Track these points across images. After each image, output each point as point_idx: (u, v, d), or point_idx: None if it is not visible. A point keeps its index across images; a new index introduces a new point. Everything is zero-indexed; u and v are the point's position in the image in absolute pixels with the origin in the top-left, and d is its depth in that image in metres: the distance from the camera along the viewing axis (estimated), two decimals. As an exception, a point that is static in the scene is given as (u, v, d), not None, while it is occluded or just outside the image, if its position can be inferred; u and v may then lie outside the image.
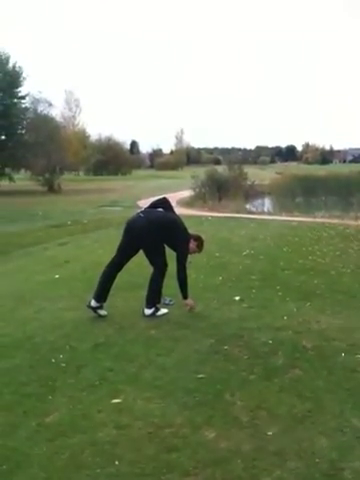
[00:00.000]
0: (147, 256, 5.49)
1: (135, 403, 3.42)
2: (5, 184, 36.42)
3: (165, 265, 5.46)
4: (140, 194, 28.02)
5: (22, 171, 40.54)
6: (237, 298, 5.93)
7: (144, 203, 22.91)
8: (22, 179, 38.52)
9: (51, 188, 36.04)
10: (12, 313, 5.54)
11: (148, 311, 5.31)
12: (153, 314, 5.30)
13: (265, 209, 23.33)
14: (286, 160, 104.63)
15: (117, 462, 2.75)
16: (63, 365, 4.07)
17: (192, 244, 5.51)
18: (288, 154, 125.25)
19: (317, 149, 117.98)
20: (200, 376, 3.81)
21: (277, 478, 2.61)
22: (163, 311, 5.38)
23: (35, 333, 4.85)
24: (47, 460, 2.78)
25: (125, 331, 4.85)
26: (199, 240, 5.59)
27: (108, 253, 9.22)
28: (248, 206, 23.01)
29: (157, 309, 5.35)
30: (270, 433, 3.02)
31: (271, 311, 5.44)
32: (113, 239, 11.21)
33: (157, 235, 5.31)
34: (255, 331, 4.77)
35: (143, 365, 4.04)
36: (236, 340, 4.54)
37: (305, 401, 3.40)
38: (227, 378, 3.78)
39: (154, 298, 5.39)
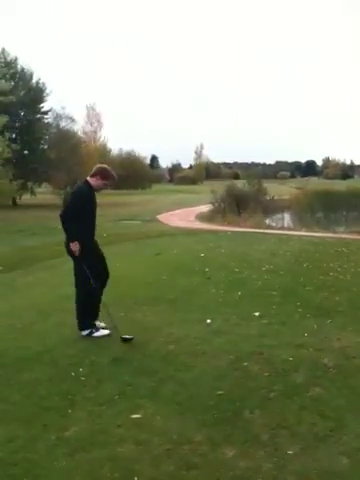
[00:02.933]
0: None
1: (154, 419, 3.41)
2: (27, 198, 36.99)
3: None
4: (159, 208, 28.18)
5: (43, 185, 41.09)
6: (257, 314, 5.89)
7: (164, 217, 23.12)
8: (44, 193, 39.05)
9: (72, 202, 36.37)
10: (32, 326, 5.59)
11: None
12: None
13: (285, 224, 23.18)
14: (306, 175, 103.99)
15: (136, 478, 2.74)
16: (83, 379, 4.09)
17: (96, 181, 5.15)
18: (308, 169, 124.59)
19: (337, 164, 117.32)
20: (219, 393, 3.78)
21: (298, 499, 2.57)
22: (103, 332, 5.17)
23: (55, 346, 4.89)
24: (66, 474, 2.79)
25: (144, 346, 4.86)
26: (101, 173, 5.18)
27: (127, 266, 9.31)
28: (268, 221, 22.91)
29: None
30: (291, 452, 2.98)
31: (291, 328, 5.39)
32: (132, 253, 11.33)
33: None
34: (275, 348, 4.73)
35: (162, 380, 4.03)
36: (256, 357, 4.51)
37: (326, 420, 3.35)
38: (247, 395, 3.74)
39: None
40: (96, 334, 5.16)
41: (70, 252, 5.08)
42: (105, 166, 5.35)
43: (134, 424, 3.33)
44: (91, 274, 5.05)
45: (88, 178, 5.21)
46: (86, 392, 3.84)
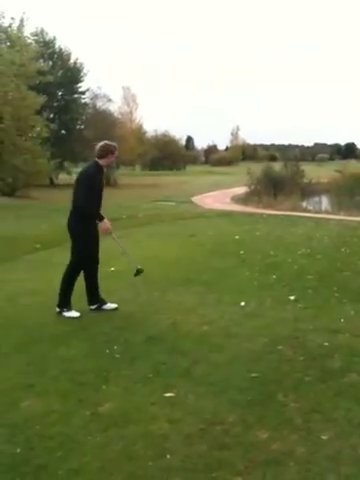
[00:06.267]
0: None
1: (187, 398, 3.43)
2: (64, 177, 37.46)
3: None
4: (194, 190, 28.08)
5: (80, 164, 41.47)
6: (292, 298, 5.82)
7: (198, 199, 23.02)
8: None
9: (107, 182, 36.44)
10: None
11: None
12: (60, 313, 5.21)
13: (322, 208, 22.70)
14: (346, 158, 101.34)
15: (169, 456, 2.76)
16: (117, 356, 4.14)
17: (107, 160, 5.22)
18: (348, 152, 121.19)
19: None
20: (253, 375, 3.76)
21: (331, 484, 2.54)
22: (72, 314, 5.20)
23: (91, 324, 4.97)
24: (100, 450, 2.83)
25: (178, 326, 4.88)
26: (110, 150, 5.22)
27: (161, 247, 9.35)
28: (304, 204, 22.48)
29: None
30: (325, 437, 2.94)
31: (327, 313, 5.30)
32: (166, 234, 11.35)
33: None
34: (311, 332, 4.66)
35: (195, 361, 4.04)
36: (291, 341, 4.46)
37: (362, 407, 3.29)
38: (281, 379, 3.71)
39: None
40: (66, 314, 5.20)
41: (78, 233, 5.20)
42: (107, 142, 5.31)
43: (167, 402, 3.36)
44: (80, 256, 5.22)
45: (97, 160, 5.20)
46: (120, 369, 3.89)
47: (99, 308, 5.39)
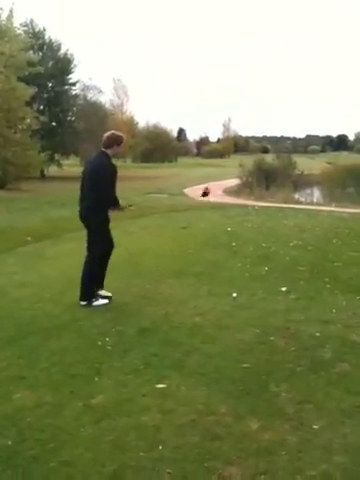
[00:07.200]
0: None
1: (179, 389, 3.43)
2: (55, 170, 37.20)
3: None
4: (186, 182, 28.02)
5: (71, 157, 41.17)
6: (284, 289, 5.83)
7: (190, 191, 22.96)
8: (72, 165, 39.20)
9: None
10: (61, 296, 5.66)
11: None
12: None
13: (314, 199, 22.77)
14: (337, 150, 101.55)
15: (161, 447, 2.76)
16: (109, 348, 4.14)
17: (114, 150, 5.26)
18: (339, 143, 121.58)
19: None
20: (245, 366, 3.77)
21: (323, 472, 2.55)
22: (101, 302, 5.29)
23: (83, 316, 4.95)
24: (93, 441, 2.83)
25: (170, 317, 4.87)
26: (116, 140, 5.27)
27: (154, 240, 9.33)
28: (296, 196, 22.53)
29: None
30: (316, 426, 2.96)
31: (319, 303, 5.32)
32: (159, 226, 11.32)
33: None
34: (302, 323, 4.68)
35: (188, 352, 4.04)
36: (282, 331, 4.47)
37: (353, 396, 3.31)
38: (272, 369, 3.72)
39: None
40: (96, 303, 5.25)
41: (96, 222, 5.25)
42: (113, 132, 5.37)
43: (159, 394, 3.36)
44: (100, 245, 5.30)
45: (104, 149, 5.22)
46: (112, 361, 3.88)
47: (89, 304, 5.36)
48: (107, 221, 5.36)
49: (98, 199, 5.15)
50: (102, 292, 5.44)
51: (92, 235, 5.35)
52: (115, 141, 5.25)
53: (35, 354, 4.05)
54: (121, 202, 5.41)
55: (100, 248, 5.34)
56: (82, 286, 5.29)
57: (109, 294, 5.46)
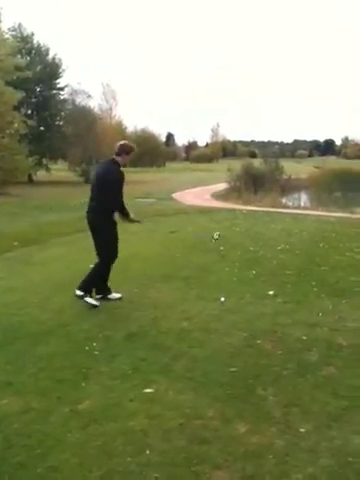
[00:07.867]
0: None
1: (167, 394, 3.43)
2: (43, 174, 37.03)
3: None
4: (174, 187, 28.08)
5: (59, 162, 41.02)
6: (271, 293, 5.87)
7: (179, 195, 23.00)
8: (60, 170, 39.06)
9: (87, 179, 36.41)
10: (48, 301, 5.64)
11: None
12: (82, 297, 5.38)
13: (302, 204, 22.93)
14: (324, 154, 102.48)
15: (148, 451, 2.76)
16: (96, 353, 4.12)
17: (124, 159, 5.44)
18: (326, 148, 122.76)
19: (357, 144, 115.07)
20: (232, 369, 3.78)
21: (309, 475, 2.57)
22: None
23: (70, 321, 4.93)
24: (80, 446, 2.82)
25: (157, 322, 4.87)
26: (125, 150, 5.45)
27: (142, 244, 9.31)
28: (284, 200, 22.69)
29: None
30: (303, 430, 2.98)
31: (306, 307, 5.36)
32: (147, 230, 11.31)
33: None
34: (289, 327, 4.71)
35: (175, 356, 4.04)
36: (269, 335, 4.50)
37: (340, 399, 3.33)
38: (260, 373, 3.74)
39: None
40: (87, 299, 5.36)
41: (105, 226, 5.40)
42: (125, 142, 5.64)
43: (147, 398, 3.36)
44: (106, 250, 5.45)
45: (115, 157, 5.46)
46: (100, 366, 3.87)
47: (104, 298, 5.60)
48: (112, 224, 5.48)
49: (105, 201, 5.37)
50: (112, 295, 5.65)
51: (97, 238, 5.48)
52: (124, 150, 5.46)
53: (22, 360, 4.02)
54: (132, 216, 5.69)
55: (106, 252, 5.48)
56: (85, 279, 5.44)
57: (118, 295, 5.65)
